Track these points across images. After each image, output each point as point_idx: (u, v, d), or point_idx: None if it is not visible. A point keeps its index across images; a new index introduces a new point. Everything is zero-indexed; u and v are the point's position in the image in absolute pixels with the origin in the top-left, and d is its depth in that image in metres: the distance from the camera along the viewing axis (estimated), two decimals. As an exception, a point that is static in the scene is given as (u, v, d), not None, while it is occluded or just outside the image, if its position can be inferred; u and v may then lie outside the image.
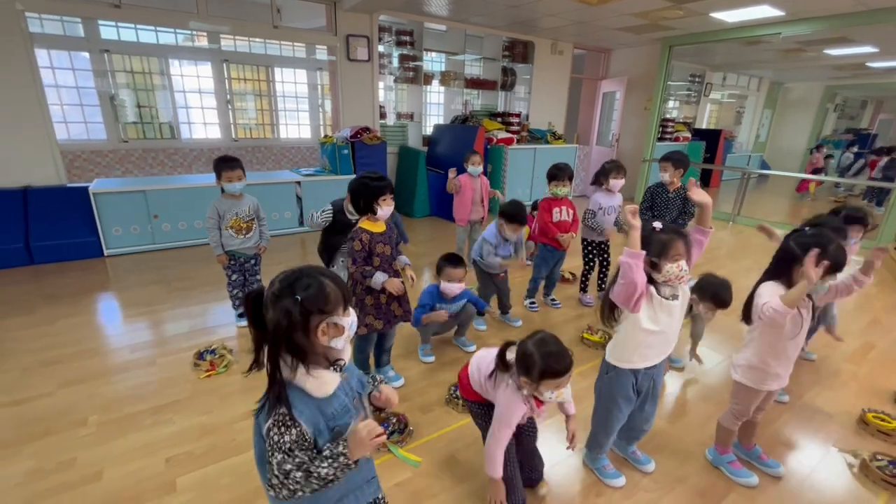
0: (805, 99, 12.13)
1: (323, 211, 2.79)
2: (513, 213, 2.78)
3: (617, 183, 3.18)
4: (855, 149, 10.33)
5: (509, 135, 6.45)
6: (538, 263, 3.25)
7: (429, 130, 6.74)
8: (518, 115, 6.93)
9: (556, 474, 1.81)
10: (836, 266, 1.52)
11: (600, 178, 3.21)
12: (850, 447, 1.99)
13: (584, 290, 3.54)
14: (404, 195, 6.06)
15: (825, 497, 1.74)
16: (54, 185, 4.14)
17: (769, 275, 1.65)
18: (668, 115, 9.62)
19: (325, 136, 5.72)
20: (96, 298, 3.31)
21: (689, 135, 9.33)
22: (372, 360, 2.39)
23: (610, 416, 1.68)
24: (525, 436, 1.67)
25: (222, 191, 2.69)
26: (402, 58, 6.11)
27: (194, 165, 6.30)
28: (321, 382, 0.93)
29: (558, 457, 1.89)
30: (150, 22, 5.02)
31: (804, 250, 1.51)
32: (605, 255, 3.43)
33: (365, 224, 2.08)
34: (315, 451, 0.91)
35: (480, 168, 3.89)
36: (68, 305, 3.14)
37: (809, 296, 1.64)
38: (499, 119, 6.82)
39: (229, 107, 6.39)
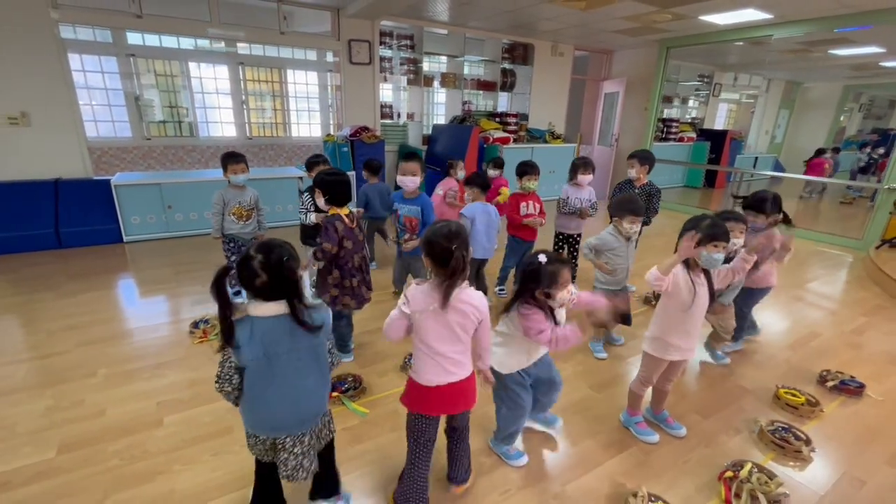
0: (824, 99, 11.92)
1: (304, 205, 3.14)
2: (473, 179, 3.09)
3: (585, 178, 3.43)
4: (868, 149, 10.14)
5: (506, 134, 6.69)
6: (507, 253, 3.52)
7: (430, 130, 7.05)
8: (516, 116, 7.17)
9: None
10: (711, 237, 1.76)
11: (571, 173, 3.48)
12: (760, 417, 2.20)
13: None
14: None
15: (716, 452, 1.97)
16: (82, 177, 4.62)
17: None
18: (673, 116, 9.68)
19: (328, 134, 6.09)
20: (113, 277, 3.75)
21: (693, 135, 9.36)
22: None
23: (515, 411, 1.79)
24: (457, 436, 1.68)
25: (229, 182, 3.07)
26: (404, 60, 6.44)
27: (211, 161, 6.76)
28: (261, 309, 1.31)
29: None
30: (169, 30, 5.47)
31: (685, 229, 1.83)
32: (575, 249, 3.66)
33: (338, 212, 2.37)
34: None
35: (463, 173, 4.16)
36: (89, 282, 3.59)
37: (707, 273, 1.87)
38: (497, 119, 7.08)
39: (244, 106, 6.82)
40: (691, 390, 2.46)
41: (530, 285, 1.59)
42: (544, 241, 3.50)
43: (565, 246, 3.68)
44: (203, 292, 3.48)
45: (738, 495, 1.71)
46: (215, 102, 6.77)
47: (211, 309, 3.13)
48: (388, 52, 6.35)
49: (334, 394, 2.20)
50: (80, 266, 3.95)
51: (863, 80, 10.81)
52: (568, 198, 3.47)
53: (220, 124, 6.91)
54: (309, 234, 3.24)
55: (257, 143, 6.98)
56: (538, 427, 2.10)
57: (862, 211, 7.73)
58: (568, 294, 1.57)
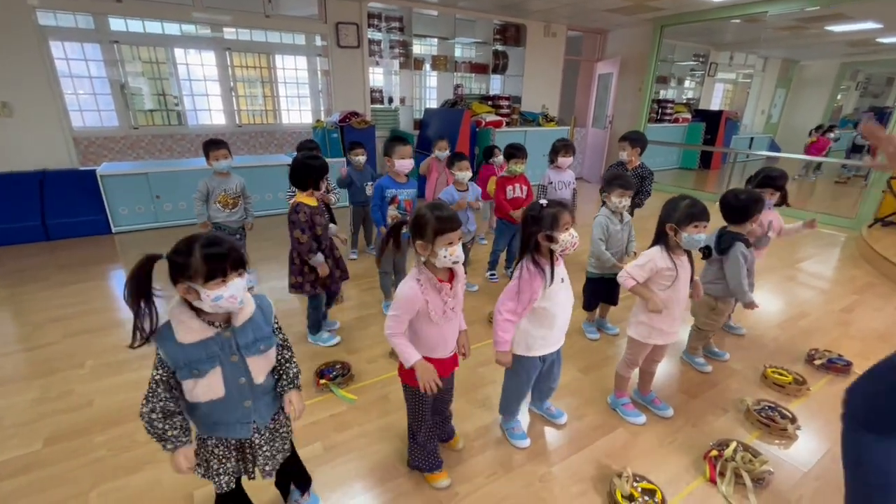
0: (820, 77, 11.81)
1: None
2: (450, 157, 3.09)
3: (565, 160, 3.39)
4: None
5: (498, 118, 6.61)
6: (496, 237, 3.50)
7: (422, 114, 6.96)
8: (508, 99, 7.07)
9: (473, 433, 2.10)
10: (690, 217, 1.75)
11: (552, 156, 3.43)
12: (747, 396, 2.21)
13: None
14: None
15: (702, 432, 1.98)
16: (67, 168, 4.55)
17: (654, 238, 1.87)
18: (669, 97, 9.58)
19: (318, 120, 6.00)
20: (101, 269, 3.72)
21: (688, 116, 9.28)
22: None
23: (519, 387, 1.85)
24: (439, 401, 1.74)
25: (213, 170, 3.03)
26: (393, 43, 6.32)
27: (201, 150, 6.65)
28: (185, 330, 1.09)
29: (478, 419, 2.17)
30: (152, 15, 5.33)
31: (665, 212, 1.81)
32: None
33: (304, 199, 2.34)
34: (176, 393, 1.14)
35: (446, 153, 4.12)
36: (77, 274, 3.56)
37: (689, 254, 1.87)
38: (489, 102, 6.99)
39: (233, 93, 6.70)
40: (679, 370, 2.47)
41: (533, 229, 1.60)
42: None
43: None
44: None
45: (722, 474, 1.73)
46: (203, 90, 6.65)
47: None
48: (377, 35, 6.23)
49: (322, 381, 2.20)
50: (68, 258, 3.92)
51: (860, 57, 10.69)
52: (551, 182, 3.44)
53: (209, 112, 6.79)
54: None
55: (247, 131, 6.88)
56: (539, 413, 2.10)
57: (856, 190, 7.72)
58: (570, 237, 1.59)
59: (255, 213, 3.27)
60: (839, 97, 12.19)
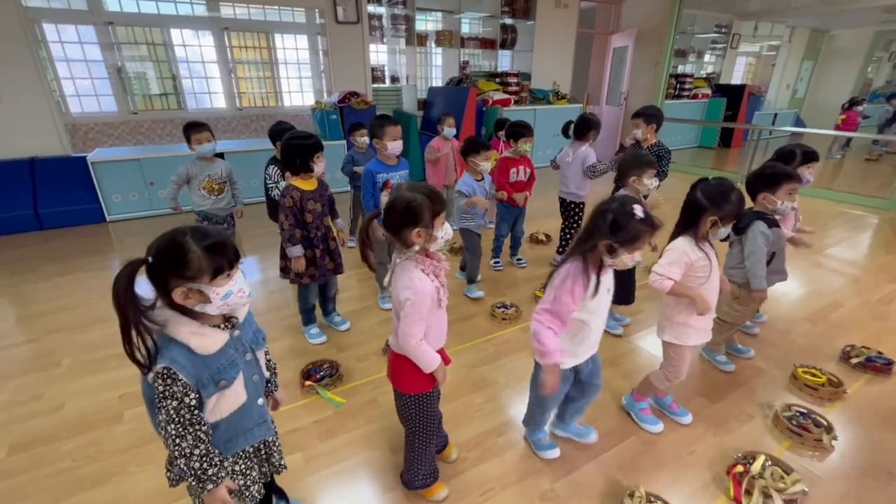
0: (852, 47, 11.12)
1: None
2: (470, 144, 2.77)
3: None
4: (897, 101, 9.45)
5: (506, 96, 6.30)
6: (498, 222, 3.28)
7: (425, 94, 6.66)
8: (516, 75, 6.73)
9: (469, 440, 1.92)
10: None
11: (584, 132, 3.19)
12: (775, 400, 2.00)
13: (560, 249, 3.54)
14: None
15: (725, 443, 1.78)
16: (59, 155, 4.42)
17: (680, 227, 1.64)
18: (688, 71, 9.08)
19: (317, 102, 5.78)
20: (92, 259, 3.60)
21: (709, 91, 8.80)
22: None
23: (545, 403, 1.64)
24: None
25: (196, 154, 2.83)
26: (394, 18, 6.00)
27: (202, 135, 6.51)
28: (206, 340, 0.94)
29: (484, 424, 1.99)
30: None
31: (710, 200, 1.54)
32: (578, 217, 3.38)
33: (296, 182, 2.17)
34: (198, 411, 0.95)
35: (454, 131, 3.89)
36: (66, 265, 3.45)
37: (709, 243, 1.63)
38: (497, 80, 6.66)
39: (232, 75, 6.49)
40: (698, 370, 2.25)
41: (603, 230, 1.31)
42: (539, 205, 3.23)
43: (572, 223, 3.39)
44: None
45: (748, 492, 1.53)
46: (202, 72, 6.46)
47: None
48: (378, 9, 5.92)
49: (308, 382, 2.04)
50: (59, 248, 3.81)
51: (894, 26, 9.99)
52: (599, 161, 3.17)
53: (209, 95, 6.61)
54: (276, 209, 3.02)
55: (249, 114, 6.69)
56: (565, 435, 1.82)
57: (890, 168, 7.26)
58: (631, 261, 1.35)
59: (244, 200, 3.08)
60: (870, 70, 11.51)
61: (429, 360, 1.30)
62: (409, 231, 1.21)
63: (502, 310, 2.69)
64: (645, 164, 2.21)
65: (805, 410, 1.88)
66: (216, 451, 1.00)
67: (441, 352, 1.39)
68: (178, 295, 0.90)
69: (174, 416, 0.91)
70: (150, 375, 0.90)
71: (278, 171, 2.82)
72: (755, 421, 1.90)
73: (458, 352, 2.36)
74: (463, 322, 2.64)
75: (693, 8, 7.80)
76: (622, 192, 2.29)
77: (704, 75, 9.56)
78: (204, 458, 0.96)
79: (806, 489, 1.54)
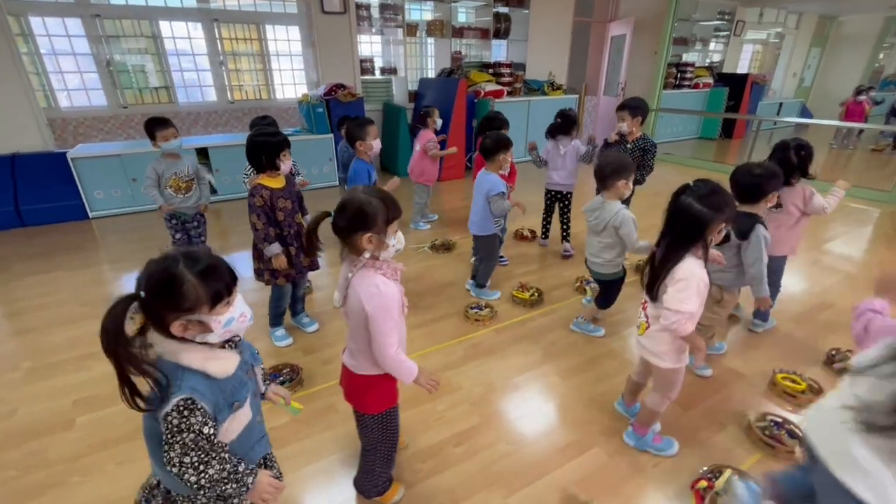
0: (861, 34, 10.79)
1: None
2: (501, 141, 2.56)
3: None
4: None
5: (499, 87, 6.16)
6: (481, 221, 3.19)
7: (416, 85, 6.54)
8: (510, 66, 6.57)
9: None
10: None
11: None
12: (751, 408, 1.91)
13: (545, 234, 3.69)
14: (387, 154, 5.98)
15: (694, 454, 1.69)
16: (41, 151, 4.38)
17: (680, 245, 1.42)
18: (691, 60, 8.86)
19: (304, 94, 5.68)
20: (70, 258, 3.55)
21: (710, 81, 8.57)
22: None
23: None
24: None
25: (161, 152, 2.76)
26: (384, 7, 5.87)
27: (193, 128, 6.44)
28: (223, 363, 0.91)
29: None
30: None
31: (714, 207, 1.37)
32: (566, 204, 3.45)
33: (264, 180, 2.11)
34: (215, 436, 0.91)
35: (441, 121, 3.86)
36: (42, 263, 3.41)
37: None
38: (490, 70, 6.51)
39: (223, 68, 6.41)
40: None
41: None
42: (523, 200, 3.11)
43: (555, 204, 3.49)
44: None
45: (712, 508, 1.45)
46: (193, 65, 6.37)
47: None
48: (367, -1, 5.79)
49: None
50: (39, 246, 3.77)
51: (907, 10, 9.66)
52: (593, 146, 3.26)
53: (200, 88, 6.54)
54: None
55: (241, 108, 6.61)
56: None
57: (894, 159, 7.05)
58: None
59: (210, 196, 3.02)
60: (881, 57, 11.17)
61: (409, 368, 1.23)
62: (360, 236, 1.13)
63: (476, 311, 2.61)
64: (629, 166, 2.14)
65: (780, 420, 1.79)
66: (237, 458, 0.96)
67: None
68: (176, 328, 0.85)
69: (192, 447, 0.86)
70: (167, 409, 0.84)
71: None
72: (728, 431, 1.82)
73: (426, 355, 2.29)
74: (435, 323, 2.56)
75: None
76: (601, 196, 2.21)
77: (707, 64, 9.32)
78: (232, 468, 0.93)
79: (772, 506, 1.45)
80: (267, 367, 2.15)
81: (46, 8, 5.35)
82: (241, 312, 0.92)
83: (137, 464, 1.66)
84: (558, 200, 3.45)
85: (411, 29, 6.11)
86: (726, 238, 1.76)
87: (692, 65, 8.53)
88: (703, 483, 1.51)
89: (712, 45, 9.49)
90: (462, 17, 6.91)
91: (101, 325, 0.80)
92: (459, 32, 6.46)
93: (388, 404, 1.35)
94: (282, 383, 2.03)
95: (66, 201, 4.25)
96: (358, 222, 1.13)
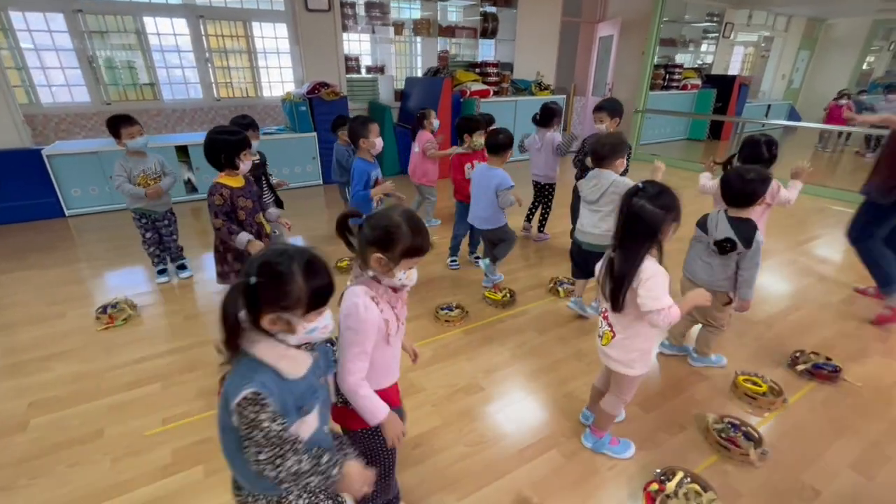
0: (849, 36, 10.87)
1: None
2: (509, 140, 2.69)
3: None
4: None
5: (485, 86, 6.15)
6: (456, 220, 3.19)
7: (403, 84, 6.52)
8: (496, 65, 6.56)
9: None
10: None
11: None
12: (711, 410, 1.91)
13: (528, 219, 3.87)
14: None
15: (650, 456, 1.69)
16: (17, 148, 4.32)
17: (636, 245, 1.41)
18: (681, 62, 8.88)
19: (287, 92, 5.65)
20: (46, 256, 3.51)
21: (698, 82, 8.60)
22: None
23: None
24: None
25: (126, 150, 2.71)
26: (369, 6, 5.84)
27: (178, 126, 6.39)
28: (295, 363, 0.91)
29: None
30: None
31: (666, 208, 1.38)
32: (550, 195, 3.64)
33: (223, 179, 2.08)
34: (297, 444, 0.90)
35: (438, 122, 3.88)
36: (12, 262, 3.37)
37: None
38: (476, 70, 6.50)
39: (209, 65, 6.35)
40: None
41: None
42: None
43: (544, 201, 3.68)
44: (130, 272, 3.25)
45: (662, 511, 1.45)
46: (178, 62, 6.32)
47: (134, 291, 2.90)
48: (354, -4, 5.75)
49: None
50: (11, 244, 3.72)
51: (893, 14, 9.72)
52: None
53: (185, 86, 6.48)
54: None
55: (227, 105, 6.55)
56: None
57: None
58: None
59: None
60: (870, 59, 11.25)
61: (373, 408, 1.12)
62: (373, 252, 1.09)
63: (446, 311, 2.60)
64: (625, 146, 2.33)
65: (738, 422, 1.80)
66: (313, 450, 0.93)
67: (392, 389, 1.27)
68: (266, 321, 0.86)
69: (264, 443, 0.85)
70: (237, 399, 0.83)
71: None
72: (686, 433, 1.82)
73: (393, 356, 2.27)
74: (405, 324, 2.54)
75: (682, -5, 7.60)
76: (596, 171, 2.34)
77: (696, 65, 9.35)
78: (313, 461, 0.91)
79: (722, 509, 1.46)
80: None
81: (27, 2, 5.28)
82: (325, 324, 0.92)
83: (91, 466, 1.64)
84: (538, 191, 3.65)
85: (398, 28, 6.09)
86: (733, 247, 1.85)
87: (680, 66, 8.55)
88: (655, 486, 1.51)
89: (704, 47, 9.52)
90: (450, 16, 6.90)
91: (224, 299, 0.82)
92: (447, 32, 6.45)
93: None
94: (243, 384, 2.01)
95: (40, 199, 4.21)
96: (377, 239, 1.09)
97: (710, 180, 2.42)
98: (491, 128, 3.24)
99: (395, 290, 1.17)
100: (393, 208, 1.14)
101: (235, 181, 2.10)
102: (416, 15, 6.48)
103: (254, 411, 0.83)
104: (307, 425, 0.95)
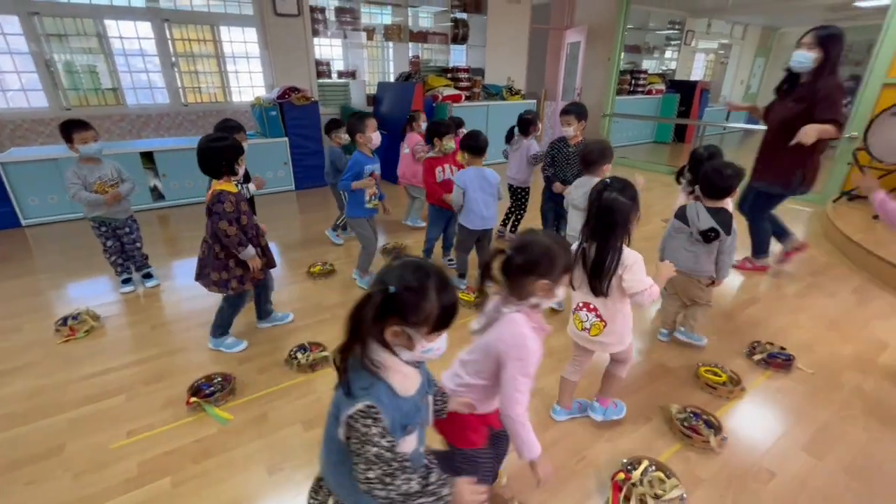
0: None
1: None
2: (482, 143, 2.77)
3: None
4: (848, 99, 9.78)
5: (457, 91, 6.22)
6: (429, 224, 3.20)
7: (375, 89, 6.53)
8: (467, 70, 6.65)
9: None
10: None
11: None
12: (675, 400, 1.99)
13: (504, 224, 3.97)
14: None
15: (617, 448, 1.75)
16: (-32, 155, 4.13)
17: (612, 236, 1.51)
18: (646, 67, 9.19)
19: (257, 97, 5.58)
20: (-2, 267, 3.36)
21: (662, 87, 8.92)
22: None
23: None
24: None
25: (79, 156, 2.63)
26: (340, 11, 5.83)
27: (143, 132, 6.21)
28: (408, 381, 0.90)
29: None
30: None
31: (633, 200, 1.52)
32: (524, 199, 3.77)
33: (224, 186, 2.08)
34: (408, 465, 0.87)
35: (426, 124, 3.90)
36: (-35, 274, 3.20)
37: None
38: (448, 75, 6.57)
39: (175, 69, 6.20)
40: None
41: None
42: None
43: (519, 205, 3.80)
44: (92, 282, 3.14)
45: (627, 498, 1.50)
46: (143, 66, 6.14)
47: (96, 302, 2.80)
48: (320, 1, 5.74)
49: (193, 399, 1.93)
50: (-37, 256, 3.55)
51: (840, 24, 10.31)
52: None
53: (151, 90, 6.31)
54: None
55: (195, 111, 6.41)
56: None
57: (828, 163, 7.50)
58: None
59: (185, 200, 2.92)
60: (820, 66, 11.89)
61: (531, 442, 1.11)
62: (534, 281, 1.09)
63: (420, 314, 2.62)
64: (611, 152, 2.42)
65: (698, 411, 1.88)
66: (420, 469, 0.90)
67: (496, 412, 1.25)
68: (389, 333, 0.84)
69: (374, 461, 0.82)
70: (351, 411, 0.82)
71: None
72: (652, 423, 1.89)
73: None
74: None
75: (646, 5, 7.88)
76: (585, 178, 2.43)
77: (660, 71, 9.70)
78: (422, 480, 0.87)
79: (684, 494, 1.52)
80: (200, 375, 2.09)
81: (-23, 6, 5.07)
82: (440, 346, 0.90)
83: (50, 483, 1.58)
84: (512, 194, 3.75)
85: (369, 33, 6.10)
86: (717, 235, 2.03)
87: (645, 72, 8.85)
88: (622, 475, 1.57)
89: (667, 54, 9.88)
90: (422, 22, 6.95)
91: (358, 304, 0.81)
92: (419, 37, 6.50)
93: (481, 440, 1.25)
94: (211, 394, 1.98)
95: (-5, 208, 4.03)
96: (537, 265, 1.09)
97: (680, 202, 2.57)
98: (465, 131, 3.37)
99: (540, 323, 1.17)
100: (533, 233, 1.15)
101: (233, 188, 2.11)
102: (388, 20, 6.51)
103: (365, 424, 0.82)
104: (407, 445, 0.93)
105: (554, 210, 3.35)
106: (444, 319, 0.86)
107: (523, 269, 1.10)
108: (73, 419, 1.88)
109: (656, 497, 1.49)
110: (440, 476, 0.91)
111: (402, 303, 0.82)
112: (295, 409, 1.94)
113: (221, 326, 2.34)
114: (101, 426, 1.84)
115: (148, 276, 3.04)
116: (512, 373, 1.10)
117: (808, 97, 2.62)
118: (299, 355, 2.22)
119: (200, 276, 2.19)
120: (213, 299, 2.78)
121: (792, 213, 4.78)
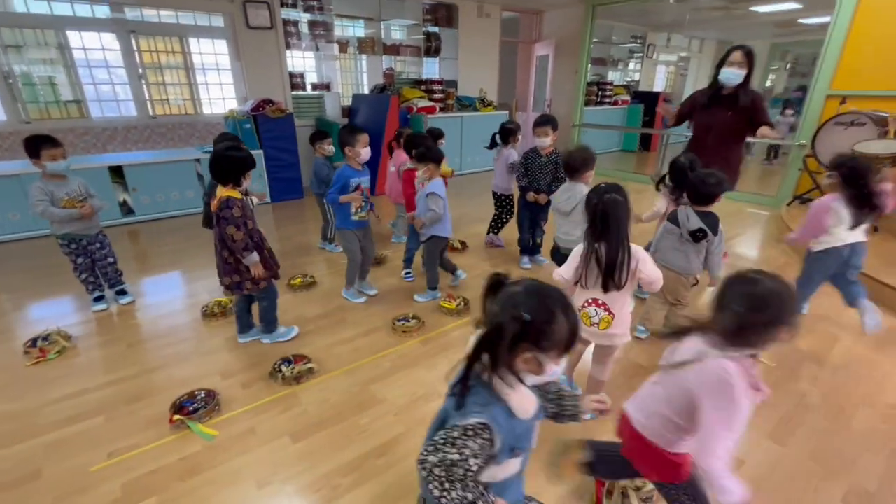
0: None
1: None
2: (424, 155, 2.83)
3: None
4: (791, 111, 10.44)
5: (431, 103, 6.33)
6: (410, 234, 3.25)
7: (350, 101, 6.56)
8: (441, 83, 6.78)
9: (348, 439, 1.86)
10: None
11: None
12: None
13: (492, 231, 4.03)
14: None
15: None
16: (-80, 171, 3.93)
17: (620, 233, 1.66)
18: (612, 79, 9.57)
19: (230, 110, 5.53)
20: (-44, 289, 3.20)
21: (628, 98, 9.30)
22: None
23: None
24: None
25: (44, 173, 2.58)
26: (313, 24, 5.86)
27: (109, 145, 6.03)
28: (526, 405, 0.89)
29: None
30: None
31: (626, 199, 1.68)
32: (508, 206, 3.90)
33: (231, 193, 2.11)
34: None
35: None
36: (-80, 297, 3.04)
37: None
38: (422, 87, 6.67)
39: (142, 81, 6.06)
40: (586, 370, 2.32)
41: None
42: (456, 213, 3.21)
43: (503, 210, 3.91)
44: (59, 301, 3.03)
45: (609, 493, 1.58)
46: (108, 78, 5.97)
47: (65, 322, 2.71)
48: (293, 15, 5.75)
49: (176, 417, 1.90)
50: (-84, 277, 3.36)
51: (787, 38, 11.05)
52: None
53: (117, 103, 6.14)
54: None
55: (164, 123, 6.26)
56: None
57: (783, 168, 7.98)
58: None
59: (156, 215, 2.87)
60: (771, 77, 12.66)
61: (731, 488, 1.01)
62: (773, 329, 1.00)
63: (403, 322, 2.65)
64: (594, 159, 2.61)
65: (673, 406, 1.98)
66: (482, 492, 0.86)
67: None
68: (520, 359, 0.85)
69: (448, 464, 0.81)
70: (464, 422, 0.83)
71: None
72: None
73: (353, 370, 2.29)
74: (364, 337, 2.57)
75: (609, 19, 8.22)
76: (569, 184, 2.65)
77: (625, 83, 10.12)
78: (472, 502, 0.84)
79: (662, 485, 1.60)
80: (182, 392, 2.06)
81: (-72, 15, 4.86)
82: (561, 368, 0.90)
83: (26, 510, 1.54)
84: (496, 201, 3.90)
85: (343, 46, 6.14)
86: (705, 235, 2.18)
87: (611, 83, 9.21)
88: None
89: (631, 66, 10.32)
90: (394, 34, 7.05)
91: (489, 334, 0.83)
92: (392, 50, 6.58)
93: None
94: (195, 411, 1.95)
95: (-49, 227, 3.83)
96: (778, 315, 1.00)
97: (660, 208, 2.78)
98: (444, 142, 3.61)
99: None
100: (761, 281, 1.04)
101: (238, 193, 2.15)
102: (361, 33, 6.58)
103: (468, 436, 0.82)
104: (510, 468, 0.92)
105: (529, 218, 3.46)
106: (571, 341, 0.87)
107: (765, 323, 1.00)
108: (49, 443, 1.83)
109: (637, 489, 1.57)
110: (487, 498, 0.86)
111: (536, 330, 0.82)
112: (281, 422, 1.93)
113: (270, 322, 2.46)
114: (80, 449, 1.79)
115: (122, 292, 2.96)
116: (711, 419, 1.03)
117: (746, 108, 2.90)
118: (284, 368, 2.22)
119: (221, 280, 2.28)
120: (192, 315, 2.76)
121: (751, 216, 5.07)
